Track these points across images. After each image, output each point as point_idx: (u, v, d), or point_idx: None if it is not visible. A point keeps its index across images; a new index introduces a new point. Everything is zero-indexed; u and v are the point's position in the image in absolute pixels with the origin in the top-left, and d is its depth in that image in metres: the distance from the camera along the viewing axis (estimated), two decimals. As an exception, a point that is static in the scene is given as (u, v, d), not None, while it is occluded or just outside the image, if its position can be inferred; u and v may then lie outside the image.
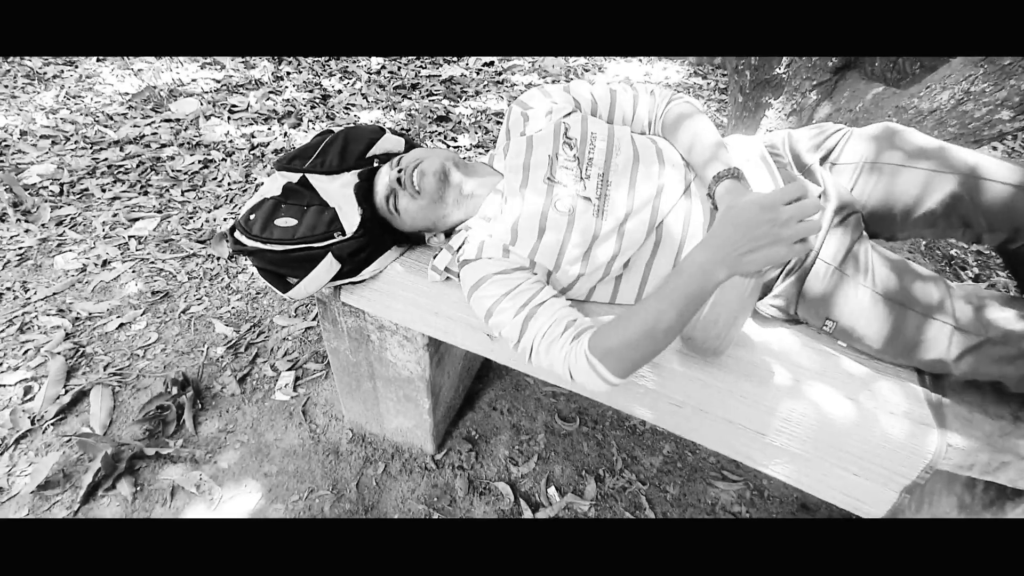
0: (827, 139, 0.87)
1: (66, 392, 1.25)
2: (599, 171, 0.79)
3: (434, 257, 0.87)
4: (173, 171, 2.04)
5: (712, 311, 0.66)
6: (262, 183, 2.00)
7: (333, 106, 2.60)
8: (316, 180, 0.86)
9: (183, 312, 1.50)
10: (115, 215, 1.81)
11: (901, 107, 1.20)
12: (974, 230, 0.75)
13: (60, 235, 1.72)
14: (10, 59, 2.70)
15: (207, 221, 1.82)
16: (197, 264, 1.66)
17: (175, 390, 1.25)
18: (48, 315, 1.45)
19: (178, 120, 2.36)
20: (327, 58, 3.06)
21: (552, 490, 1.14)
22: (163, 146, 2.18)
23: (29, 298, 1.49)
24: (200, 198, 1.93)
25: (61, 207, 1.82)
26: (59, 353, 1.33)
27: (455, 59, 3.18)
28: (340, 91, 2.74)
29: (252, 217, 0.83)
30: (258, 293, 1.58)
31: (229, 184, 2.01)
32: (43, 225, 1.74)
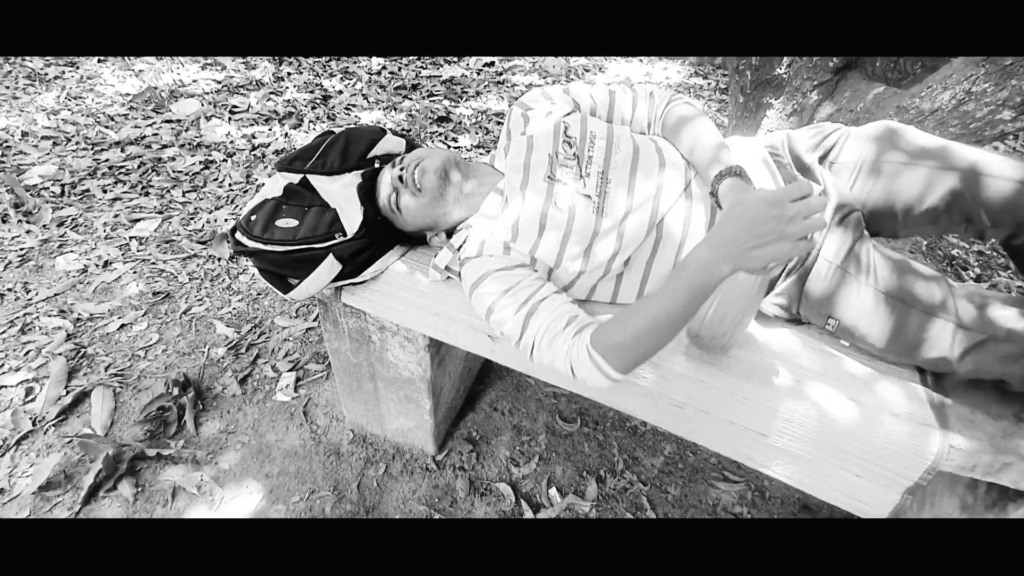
0: (825, 139, 0.87)
1: (67, 393, 1.26)
2: (599, 169, 0.79)
3: (435, 256, 0.87)
4: (174, 172, 2.04)
5: (719, 309, 0.66)
6: (263, 184, 2.00)
7: (334, 107, 2.60)
8: (317, 181, 0.87)
9: (184, 313, 1.50)
10: (116, 216, 1.81)
11: (902, 107, 1.20)
12: (976, 226, 0.75)
13: (61, 236, 1.72)
14: (11, 60, 2.70)
15: (208, 222, 1.83)
16: (198, 265, 1.66)
17: (176, 391, 1.25)
18: (49, 316, 1.45)
19: (179, 121, 2.37)
20: (328, 59, 3.06)
21: (553, 491, 1.14)
22: (164, 147, 2.18)
23: (30, 299, 1.50)
24: (201, 199, 1.93)
25: (62, 208, 1.82)
26: (60, 354, 1.34)
27: (456, 59, 3.18)
28: (341, 92, 2.74)
29: (253, 218, 0.83)
30: (259, 294, 1.58)
31: (230, 185, 2.01)
32: (44, 226, 1.74)
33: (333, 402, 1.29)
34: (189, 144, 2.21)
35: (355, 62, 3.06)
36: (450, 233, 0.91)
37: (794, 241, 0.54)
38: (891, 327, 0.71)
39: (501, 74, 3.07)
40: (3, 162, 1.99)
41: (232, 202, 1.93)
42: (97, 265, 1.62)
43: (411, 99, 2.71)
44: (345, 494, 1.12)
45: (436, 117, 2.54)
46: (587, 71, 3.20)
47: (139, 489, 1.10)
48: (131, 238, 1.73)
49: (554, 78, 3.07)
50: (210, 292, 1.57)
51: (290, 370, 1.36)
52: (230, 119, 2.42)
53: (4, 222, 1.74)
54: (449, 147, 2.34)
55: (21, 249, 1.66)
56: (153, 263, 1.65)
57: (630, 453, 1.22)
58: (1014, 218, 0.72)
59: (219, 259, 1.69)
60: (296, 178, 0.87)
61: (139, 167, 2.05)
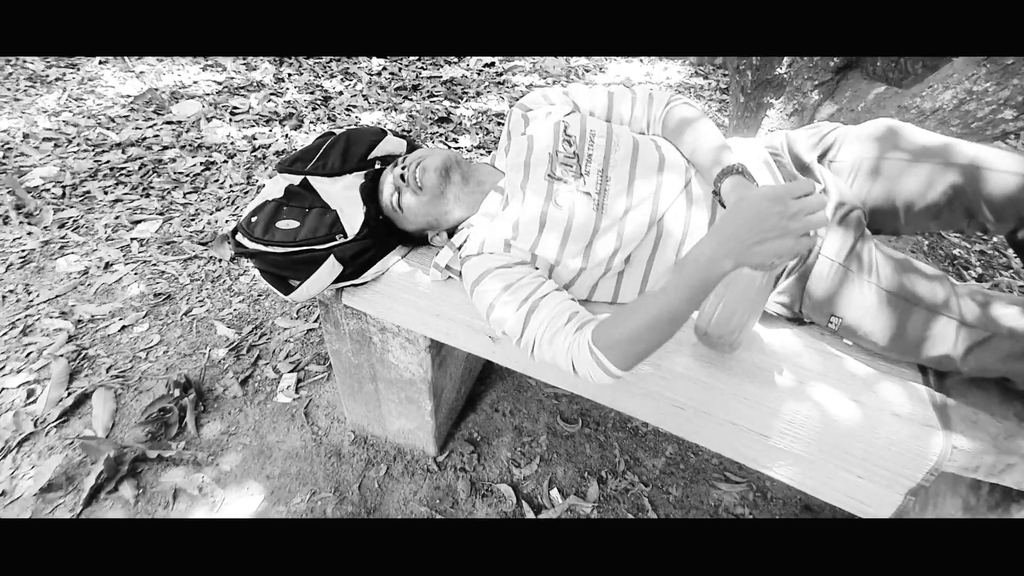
0: (824, 138, 0.87)
1: (68, 395, 1.26)
2: (598, 167, 0.79)
3: (436, 256, 0.87)
4: (175, 173, 2.05)
5: (727, 307, 0.66)
6: (264, 185, 2.00)
7: (334, 108, 2.60)
8: (318, 182, 0.87)
9: (185, 314, 1.50)
10: (117, 217, 1.82)
11: (903, 107, 1.19)
12: (978, 221, 0.75)
13: (62, 237, 1.72)
14: (12, 62, 2.71)
15: (209, 223, 1.83)
16: (199, 266, 1.66)
17: (177, 392, 1.25)
18: (50, 317, 1.45)
19: (180, 122, 2.37)
20: (328, 60, 3.06)
21: (554, 492, 1.14)
22: (165, 148, 2.19)
23: (32, 300, 1.50)
24: (202, 200, 1.94)
25: (63, 209, 1.83)
26: (61, 355, 1.34)
27: (456, 60, 3.18)
28: (341, 93, 2.74)
29: (254, 219, 0.84)
30: (260, 295, 1.58)
31: (231, 186, 2.01)
32: (45, 227, 1.75)
33: (334, 403, 1.29)
34: (190, 145, 2.22)
35: (355, 63, 3.06)
36: (451, 232, 0.91)
37: (796, 237, 0.55)
38: (894, 325, 0.71)
39: (501, 75, 3.07)
40: (4, 164, 2.00)
41: (233, 203, 1.93)
42: (98, 267, 1.62)
43: (411, 100, 2.71)
44: (346, 495, 1.11)
45: (437, 118, 2.54)
46: (587, 71, 3.20)
47: (140, 491, 1.10)
48: (132, 239, 1.73)
49: (554, 78, 3.07)
50: (211, 293, 1.57)
51: (291, 371, 1.36)
52: (231, 120, 2.42)
53: (5, 224, 1.75)
54: (450, 148, 2.34)
55: (22, 251, 1.66)
56: (154, 264, 1.65)
57: (631, 454, 1.22)
58: (1017, 212, 0.72)
59: (220, 260, 1.69)
60: (297, 179, 0.87)
61: (140, 168, 2.05)
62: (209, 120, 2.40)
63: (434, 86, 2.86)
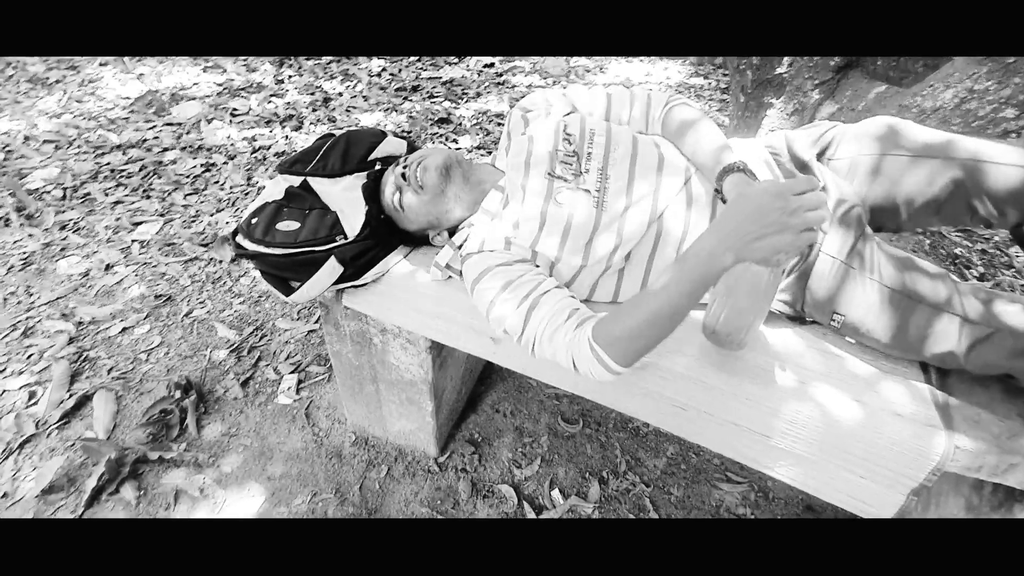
0: (822, 136, 0.87)
1: (70, 396, 1.26)
2: (598, 165, 0.80)
3: (436, 255, 0.87)
4: (175, 175, 2.05)
5: (735, 304, 0.66)
6: (264, 187, 2.01)
7: (334, 109, 2.60)
8: (318, 184, 0.87)
9: (186, 316, 1.50)
10: (118, 219, 1.82)
11: (904, 106, 1.19)
12: (981, 215, 0.75)
13: (63, 239, 1.72)
14: (13, 64, 2.72)
15: (209, 224, 1.83)
16: (200, 268, 1.66)
17: (178, 394, 1.25)
18: (52, 319, 1.45)
19: (180, 124, 2.37)
20: (328, 60, 3.07)
21: (556, 492, 1.13)
22: (165, 150, 2.19)
23: (33, 302, 1.50)
24: (202, 202, 1.94)
25: (64, 211, 1.83)
26: (63, 357, 1.34)
27: (456, 61, 3.18)
28: (341, 94, 2.74)
29: (254, 221, 0.84)
30: (260, 296, 1.58)
31: (231, 188, 2.01)
32: (46, 229, 1.75)
33: (335, 404, 1.29)
34: (190, 147, 2.22)
35: (355, 64, 3.07)
36: (452, 232, 0.92)
37: (796, 232, 0.55)
38: (897, 323, 0.71)
39: (501, 75, 3.07)
40: (5, 166, 2.00)
41: (233, 204, 1.93)
42: (99, 268, 1.63)
43: (411, 100, 2.71)
44: (347, 496, 1.11)
45: (437, 118, 2.54)
46: (588, 71, 3.20)
47: (141, 492, 1.10)
48: (133, 241, 1.74)
49: (554, 79, 3.07)
50: (212, 295, 1.58)
51: (292, 373, 1.36)
52: (231, 122, 2.42)
53: (7, 226, 1.75)
54: (450, 148, 2.34)
55: (24, 253, 1.66)
56: (155, 266, 1.65)
57: (632, 454, 1.22)
58: (1020, 205, 0.71)
59: (221, 262, 1.69)
60: (297, 181, 0.87)
61: (140, 170, 2.05)
62: (209, 122, 2.40)
63: (434, 87, 2.87)
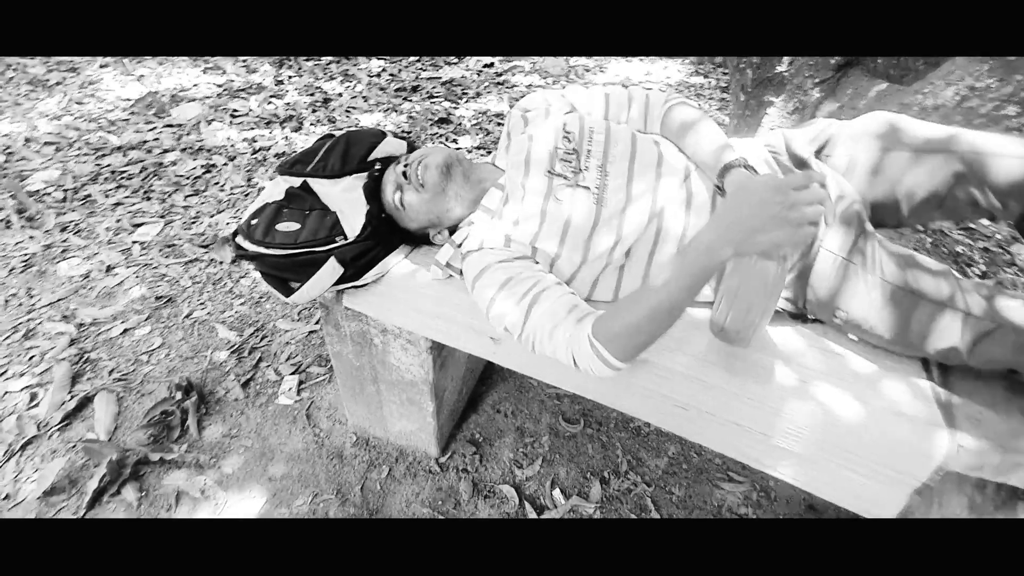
0: (820, 133, 0.87)
1: (71, 398, 1.26)
2: (598, 162, 0.80)
3: (437, 253, 0.87)
4: (175, 176, 2.05)
5: (742, 300, 0.66)
6: (263, 187, 2.01)
7: (334, 109, 2.60)
8: (318, 184, 0.87)
9: (187, 317, 1.50)
10: (118, 220, 1.82)
11: (905, 104, 1.19)
12: (984, 208, 0.74)
13: (64, 241, 1.72)
14: (13, 67, 2.72)
15: (210, 226, 1.83)
16: (200, 269, 1.66)
17: (179, 395, 1.25)
18: (53, 321, 1.45)
19: (180, 125, 2.37)
20: (328, 61, 3.07)
21: (557, 492, 1.13)
22: (165, 151, 2.19)
23: (34, 304, 1.50)
24: (203, 203, 1.94)
25: (65, 213, 1.83)
26: (64, 359, 1.34)
27: (455, 61, 3.18)
28: (341, 94, 2.74)
29: (254, 222, 0.84)
30: (261, 297, 1.58)
31: (231, 189, 2.01)
32: (47, 231, 1.75)
33: (336, 405, 1.29)
34: (190, 148, 2.22)
35: (355, 64, 3.07)
36: (453, 230, 0.92)
37: (796, 226, 0.55)
38: (900, 319, 0.71)
39: (501, 75, 3.07)
40: (6, 168, 2.00)
41: (233, 206, 1.93)
42: (100, 270, 1.63)
43: (411, 101, 2.71)
44: (348, 497, 1.11)
45: (436, 119, 2.54)
46: (587, 71, 3.19)
47: (143, 494, 1.10)
48: (133, 243, 1.74)
49: (554, 78, 3.07)
50: (212, 296, 1.58)
51: (292, 373, 1.36)
52: (231, 123, 2.43)
53: (7, 228, 1.75)
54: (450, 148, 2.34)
55: (24, 254, 1.66)
56: (155, 267, 1.65)
57: (634, 454, 1.21)
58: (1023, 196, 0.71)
59: (221, 263, 1.69)
60: (297, 182, 0.87)
61: (141, 172, 2.06)
62: (209, 123, 2.40)
63: (434, 87, 2.86)
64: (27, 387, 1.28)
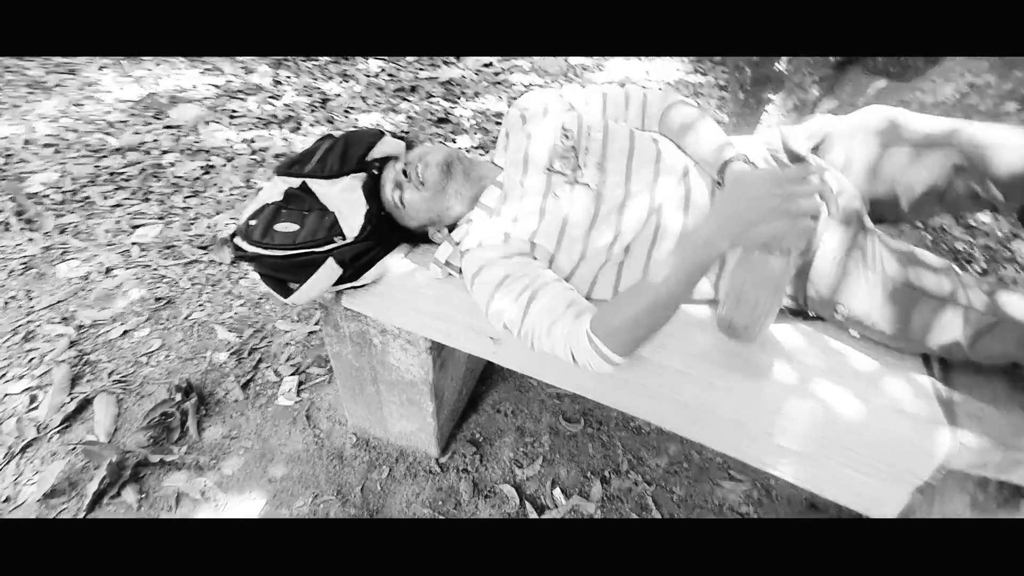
0: (817, 129, 0.87)
1: (71, 400, 1.26)
2: (596, 160, 0.80)
3: (436, 252, 0.87)
4: (174, 177, 2.05)
5: (748, 295, 0.65)
6: (262, 188, 2.00)
7: (332, 110, 2.60)
8: (316, 185, 0.86)
9: (186, 318, 1.50)
10: (117, 222, 1.82)
11: (904, 101, 1.19)
12: (985, 200, 0.74)
13: (63, 243, 1.72)
14: (12, 69, 2.72)
15: (209, 227, 1.83)
16: (199, 270, 1.66)
17: (179, 397, 1.25)
18: (52, 323, 1.45)
19: (179, 126, 2.37)
20: (326, 62, 3.06)
21: (557, 492, 1.13)
22: (164, 152, 2.19)
23: (33, 306, 1.50)
24: (202, 204, 1.93)
25: (64, 215, 1.83)
26: (63, 361, 1.34)
27: (454, 61, 3.18)
28: (339, 95, 2.74)
29: (252, 223, 0.83)
30: (260, 298, 1.58)
31: (230, 190, 2.01)
32: (46, 233, 1.75)
33: (336, 406, 1.29)
34: (189, 149, 2.22)
35: (353, 64, 3.06)
36: (452, 228, 0.92)
37: (792, 218, 0.54)
38: (901, 314, 0.70)
39: (499, 74, 3.07)
40: (5, 170, 2.00)
41: (232, 207, 1.93)
42: (99, 272, 1.62)
43: (410, 101, 2.71)
44: (349, 498, 1.11)
45: (435, 118, 2.54)
46: (586, 70, 3.19)
47: (143, 496, 1.09)
48: (132, 244, 1.73)
49: (553, 77, 3.06)
50: (212, 297, 1.57)
51: (292, 374, 1.35)
52: (229, 124, 2.42)
53: (7, 230, 1.75)
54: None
55: (24, 257, 1.66)
56: (154, 269, 1.65)
57: (634, 453, 1.21)
58: None
59: (220, 264, 1.69)
60: (296, 182, 0.87)
61: (140, 173, 2.05)
62: (208, 124, 2.40)
63: (432, 87, 2.86)
64: (27, 389, 1.28)
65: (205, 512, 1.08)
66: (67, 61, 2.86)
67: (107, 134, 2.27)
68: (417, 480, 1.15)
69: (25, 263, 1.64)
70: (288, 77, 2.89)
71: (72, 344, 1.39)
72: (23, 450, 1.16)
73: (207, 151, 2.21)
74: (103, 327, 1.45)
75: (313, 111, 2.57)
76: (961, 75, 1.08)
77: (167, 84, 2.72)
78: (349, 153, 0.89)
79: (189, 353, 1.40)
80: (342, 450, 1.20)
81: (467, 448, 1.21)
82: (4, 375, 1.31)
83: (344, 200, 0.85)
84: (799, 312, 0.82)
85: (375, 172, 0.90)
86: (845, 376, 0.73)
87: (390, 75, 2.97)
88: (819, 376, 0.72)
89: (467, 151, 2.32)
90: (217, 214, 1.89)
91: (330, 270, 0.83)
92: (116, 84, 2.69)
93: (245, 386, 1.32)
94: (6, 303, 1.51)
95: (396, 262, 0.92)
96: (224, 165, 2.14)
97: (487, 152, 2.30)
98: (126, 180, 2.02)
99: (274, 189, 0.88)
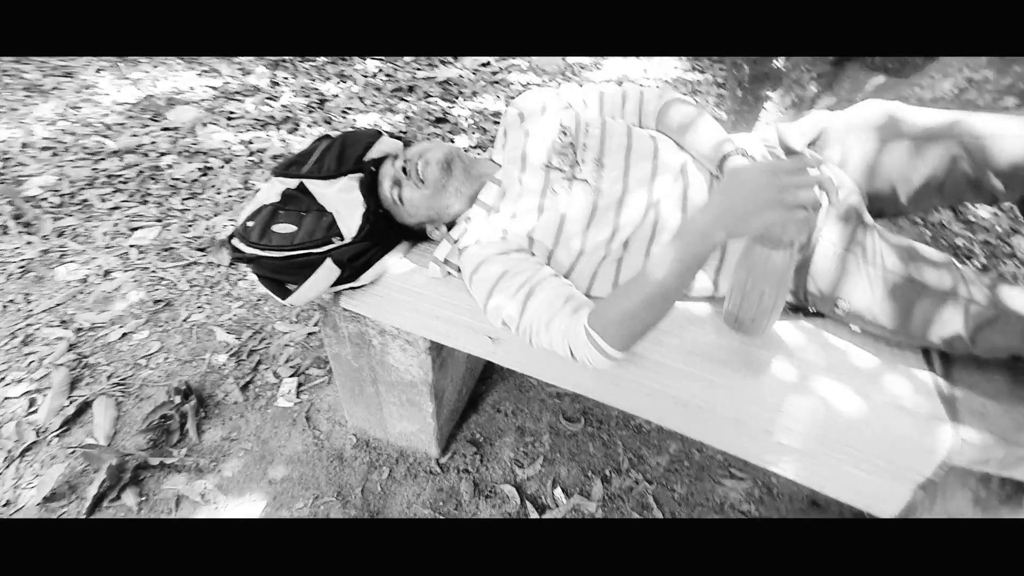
0: (813, 125, 0.86)
1: (70, 403, 1.25)
2: (594, 156, 0.80)
3: (434, 250, 0.87)
4: (172, 179, 2.04)
5: (753, 289, 0.65)
6: (260, 189, 2.00)
7: (330, 110, 2.60)
8: (314, 186, 0.86)
9: (185, 320, 1.49)
10: (115, 225, 1.81)
11: (903, 97, 1.18)
12: (985, 190, 0.74)
13: (61, 246, 1.72)
14: (9, 72, 2.71)
15: (207, 229, 1.82)
16: (198, 272, 1.66)
17: (178, 399, 1.25)
18: (51, 326, 1.45)
19: (176, 128, 2.37)
20: (323, 62, 3.06)
21: (558, 491, 1.13)
22: (162, 154, 2.18)
23: (31, 310, 1.49)
24: (199, 206, 1.93)
25: (62, 218, 1.82)
26: (62, 364, 1.33)
27: (452, 60, 3.17)
28: (337, 95, 2.74)
29: (250, 224, 0.83)
30: (259, 300, 1.58)
31: (228, 191, 2.01)
32: (44, 237, 1.74)
33: (335, 407, 1.29)
34: (187, 151, 2.21)
35: (351, 65, 3.06)
36: (450, 226, 0.91)
37: (789, 209, 0.54)
38: (903, 309, 0.70)
39: (496, 74, 3.06)
40: (3, 174, 1.99)
41: (230, 208, 1.92)
42: (97, 274, 1.62)
43: (408, 101, 2.71)
44: (349, 499, 1.11)
45: (433, 118, 2.54)
46: (584, 68, 3.19)
47: (143, 498, 1.09)
48: (131, 247, 1.73)
49: (551, 76, 3.06)
50: (210, 299, 1.57)
51: (291, 376, 1.35)
52: (227, 125, 2.42)
53: (4, 234, 1.74)
54: (447, 148, 2.33)
55: (22, 260, 1.66)
56: (153, 271, 1.65)
57: (635, 452, 1.21)
58: None
59: (218, 266, 1.68)
60: (293, 183, 0.87)
61: (137, 175, 2.05)
62: (205, 125, 2.40)
63: (430, 87, 2.86)
64: (26, 393, 1.28)
65: (205, 514, 1.08)
66: (64, 64, 2.85)
67: (104, 137, 2.27)
68: (417, 481, 1.15)
69: (23, 266, 1.64)
70: (285, 78, 2.89)
71: (71, 347, 1.39)
72: (22, 454, 1.15)
73: (205, 153, 2.21)
74: (102, 330, 1.45)
75: (311, 112, 2.57)
76: (959, 70, 1.08)
77: (164, 86, 2.72)
78: (346, 153, 0.89)
79: (188, 355, 1.40)
80: (342, 451, 1.20)
81: (467, 448, 1.20)
82: (3, 379, 1.31)
83: (342, 200, 0.85)
84: (799, 308, 0.82)
85: (373, 172, 0.90)
86: (845, 373, 0.72)
87: (387, 75, 2.97)
88: (819, 373, 0.72)
89: (465, 151, 2.32)
90: (215, 216, 1.89)
91: (328, 271, 0.83)
92: (113, 87, 2.68)
93: (244, 388, 1.32)
94: (4, 307, 1.50)
95: (395, 262, 0.91)
96: (222, 167, 2.13)
97: (485, 151, 2.30)
98: (124, 182, 2.01)
99: (271, 190, 0.87)
